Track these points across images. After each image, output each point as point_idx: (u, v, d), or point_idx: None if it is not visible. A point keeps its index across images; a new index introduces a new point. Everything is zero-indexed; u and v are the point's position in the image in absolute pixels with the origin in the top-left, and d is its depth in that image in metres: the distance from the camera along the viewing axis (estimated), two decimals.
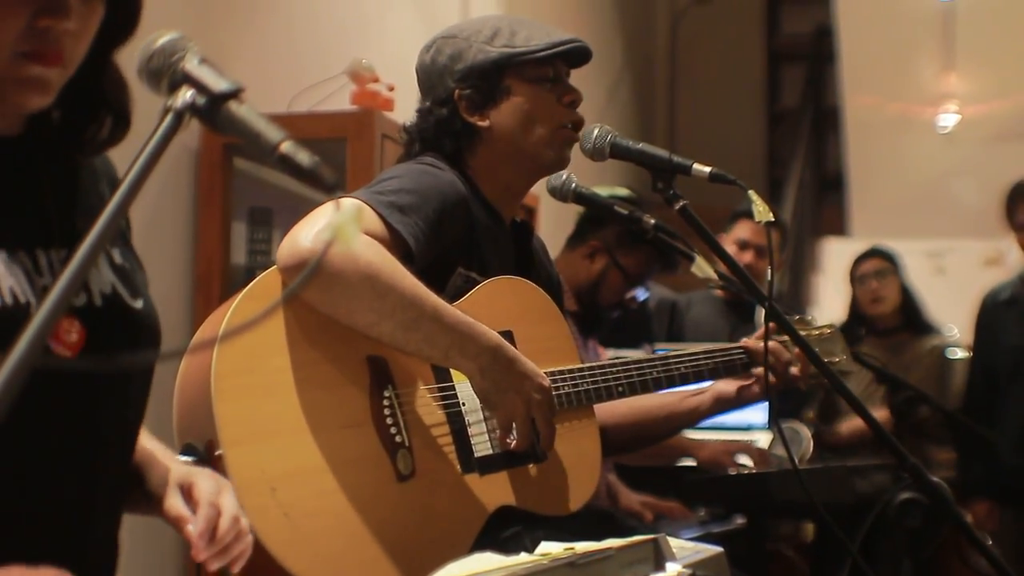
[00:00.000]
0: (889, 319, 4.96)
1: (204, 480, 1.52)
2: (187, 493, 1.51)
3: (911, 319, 4.99)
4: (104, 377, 1.41)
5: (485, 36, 2.22)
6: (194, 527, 1.45)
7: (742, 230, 4.54)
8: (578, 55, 2.27)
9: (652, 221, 2.45)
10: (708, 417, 2.59)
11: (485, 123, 2.21)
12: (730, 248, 4.48)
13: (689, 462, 3.36)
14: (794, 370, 2.46)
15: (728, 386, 2.52)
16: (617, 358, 3.55)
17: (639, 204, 2.75)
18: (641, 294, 3.56)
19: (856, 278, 5.03)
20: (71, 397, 1.37)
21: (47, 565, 1.27)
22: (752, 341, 2.49)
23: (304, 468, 1.77)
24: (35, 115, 1.39)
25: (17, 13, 1.29)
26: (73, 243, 1.40)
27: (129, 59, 1.26)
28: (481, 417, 2.04)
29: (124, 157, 1.14)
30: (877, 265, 4.98)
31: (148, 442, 1.58)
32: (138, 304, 1.47)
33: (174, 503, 1.49)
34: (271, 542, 1.69)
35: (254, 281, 1.83)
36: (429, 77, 2.26)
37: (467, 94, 2.21)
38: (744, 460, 3.23)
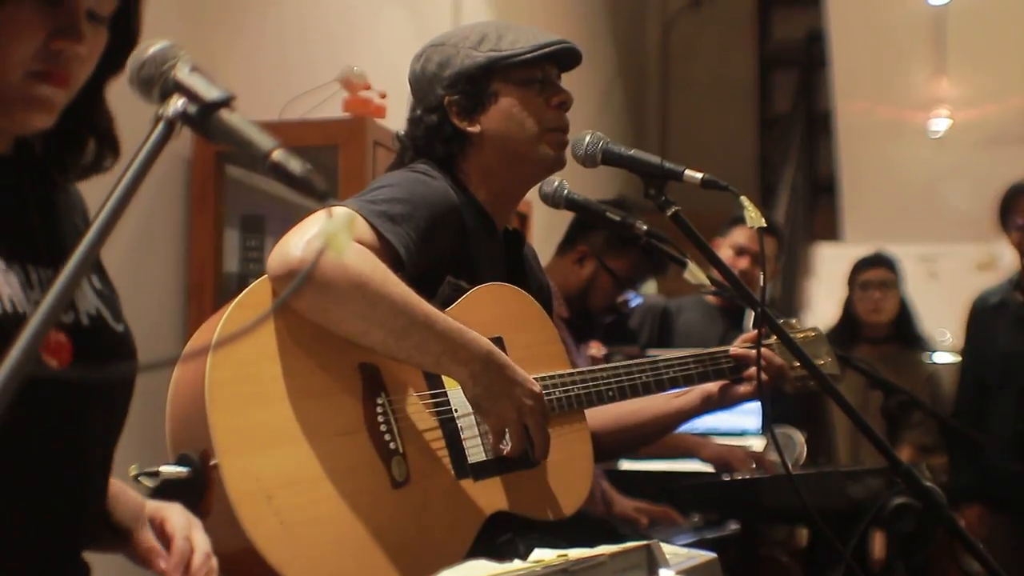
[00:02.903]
0: (882, 328, 4.96)
1: (176, 515, 1.52)
2: (158, 527, 1.50)
3: (903, 330, 4.98)
4: (91, 393, 1.41)
5: (472, 42, 2.22)
6: (165, 562, 1.45)
7: (739, 236, 4.54)
8: (566, 56, 2.27)
9: (644, 227, 2.45)
10: (695, 417, 2.59)
11: (475, 128, 2.21)
12: (727, 253, 4.49)
13: (692, 460, 3.37)
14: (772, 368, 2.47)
15: (714, 387, 2.52)
16: (614, 353, 3.57)
17: (631, 209, 2.76)
18: (633, 298, 3.56)
19: (858, 284, 4.99)
20: (58, 410, 1.36)
21: None
22: (739, 349, 2.50)
23: (300, 476, 1.77)
24: (20, 136, 1.39)
25: (35, 33, 1.30)
26: (57, 263, 1.40)
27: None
28: (474, 423, 2.04)
29: (116, 165, 1.14)
30: (883, 276, 4.96)
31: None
32: (120, 328, 1.47)
33: (146, 537, 1.49)
34: (268, 550, 1.69)
35: (245, 290, 1.83)
36: (420, 85, 2.26)
37: (456, 100, 2.21)
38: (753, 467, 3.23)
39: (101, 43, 1.37)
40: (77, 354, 1.37)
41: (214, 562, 1.50)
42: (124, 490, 1.57)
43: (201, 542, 1.50)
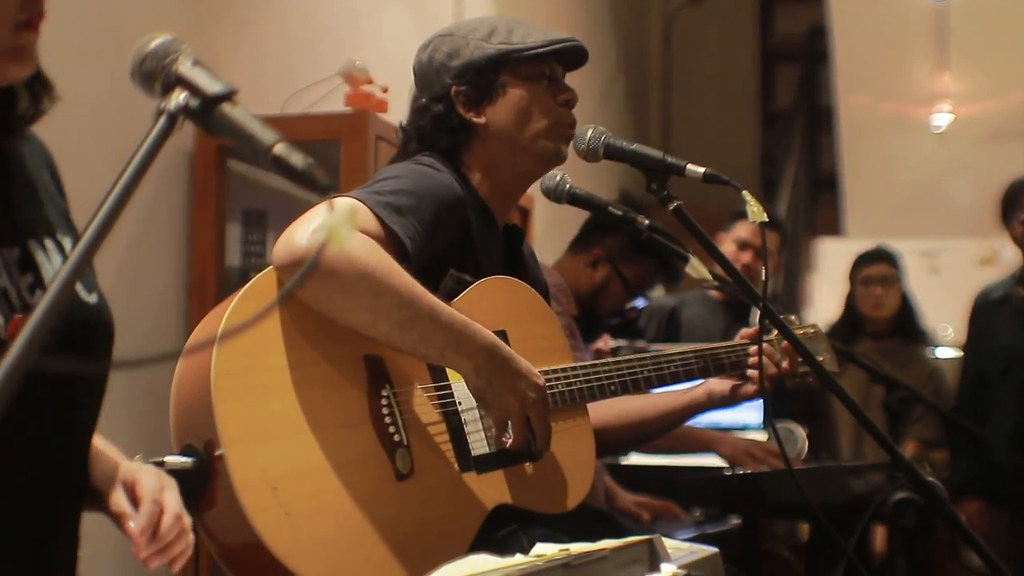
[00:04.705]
0: (885, 323, 4.96)
1: (147, 477, 1.52)
2: (130, 490, 1.50)
3: (906, 325, 4.98)
4: (71, 375, 1.41)
5: (482, 34, 2.23)
6: (135, 524, 1.45)
7: (742, 230, 4.54)
8: (574, 55, 2.27)
9: (646, 222, 2.45)
10: (701, 413, 2.60)
11: (481, 120, 2.21)
12: (729, 247, 4.48)
13: (702, 455, 3.37)
14: (785, 364, 2.47)
15: (721, 384, 2.53)
16: (621, 347, 3.57)
17: (637, 205, 2.76)
18: (640, 303, 3.57)
19: (859, 280, 4.99)
20: (39, 396, 1.36)
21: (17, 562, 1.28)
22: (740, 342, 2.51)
23: (304, 467, 1.77)
24: None
25: None
26: (23, 240, 1.39)
27: (122, 61, 1.26)
28: (477, 416, 2.04)
29: (118, 159, 1.14)
30: (884, 271, 4.95)
31: (96, 439, 1.58)
32: (92, 299, 1.47)
33: (117, 499, 1.49)
34: (272, 541, 1.69)
35: (251, 281, 1.83)
36: (426, 75, 2.26)
37: (463, 90, 2.21)
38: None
39: None
40: (51, 333, 1.37)
41: (186, 522, 1.50)
42: (103, 451, 1.57)
43: (172, 504, 1.50)
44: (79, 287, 1.45)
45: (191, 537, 1.51)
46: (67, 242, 1.48)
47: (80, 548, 1.51)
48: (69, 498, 1.46)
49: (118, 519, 1.48)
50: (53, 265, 1.43)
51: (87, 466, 1.51)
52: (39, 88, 1.45)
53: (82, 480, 1.50)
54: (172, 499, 1.51)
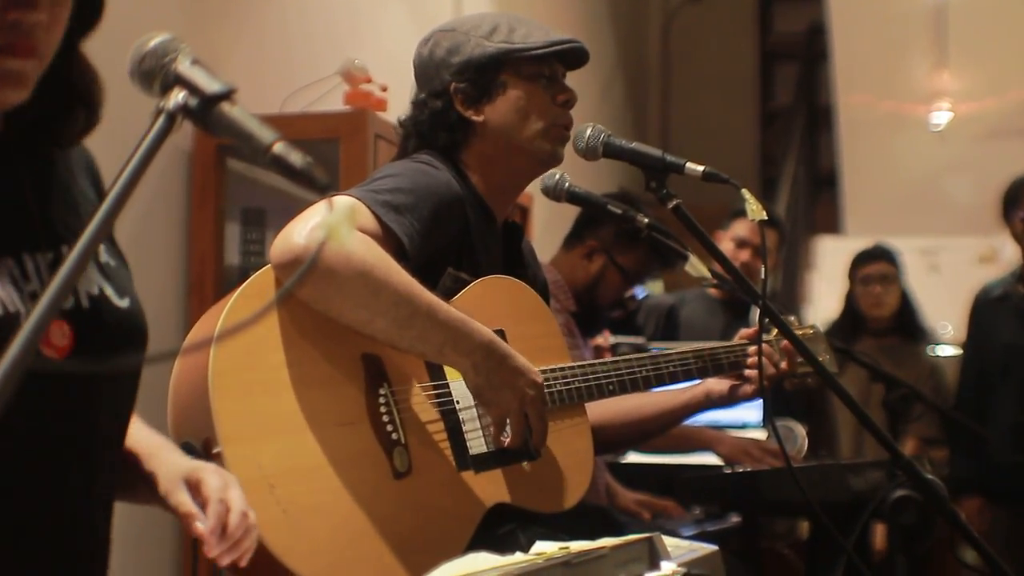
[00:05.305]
0: (884, 321, 4.96)
1: (211, 476, 1.53)
2: (195, 489, 1.51)
3: (906, 323, 4.98)
4: (94, 379, 1.41)
5: (484, 31, 2.23)
6: (204, 524, 1.46)
7: (740, 228, 4.54)
8: (575, 56, 2.28)
9: (646, 220, 2.45)
10: (699, 412, 2.60)
11: (479, 117, 2.22)
12: (728, 246, 4.48)
13: (703, 453, 3.37)
14: (783, 364, 2.48)
15: (719, 384, 2.53)
16: (620, 344, 3.57)
17: (635, 203, 2.76)
18: (640, 292, 3.56)
19: (858, 279, 4.99)
20: (66, 399, 1.37)
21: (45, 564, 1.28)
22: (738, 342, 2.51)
23: (302, 465, 1.78)
24: (8, 113, 1.38)
25: None
26: (57, 245, 1.40)
27: (121, 60, 1.26)
28: (475, 415, 2.05)
29: (117, 158, 1.14)
30: (883, 270, 4.95)
31: (148, 433, 1.59)
32: (124, 303, 1.46)
33: (182, 499, 1.50)
34: (270, 539, 1.69)
35: (249, 280, 1.83)
36: (426, 70, 2.26)
37: (463, 87, 2.21)
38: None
39: (65, 6, 1.33)
40: (78, 339, 1.37)
41: (252, 518, 1.51)
42: (158, 447, 1.57)
43: (237, 501, 1.51)
44: (110, 291, 1.45)
45: (256, 533, 1.52)
46: (101, 250, 1.48)
47: (111, 545, 1.51)
48: (102, 495, 1.46)
49: (184, 519, 1.49)
50: (87, 270, 1.43)
51: (118, 462, 1.51)
52: (92, 111, 1.45)
53: (114, 476, 1.50)
54: (237, 496, 1.52)
